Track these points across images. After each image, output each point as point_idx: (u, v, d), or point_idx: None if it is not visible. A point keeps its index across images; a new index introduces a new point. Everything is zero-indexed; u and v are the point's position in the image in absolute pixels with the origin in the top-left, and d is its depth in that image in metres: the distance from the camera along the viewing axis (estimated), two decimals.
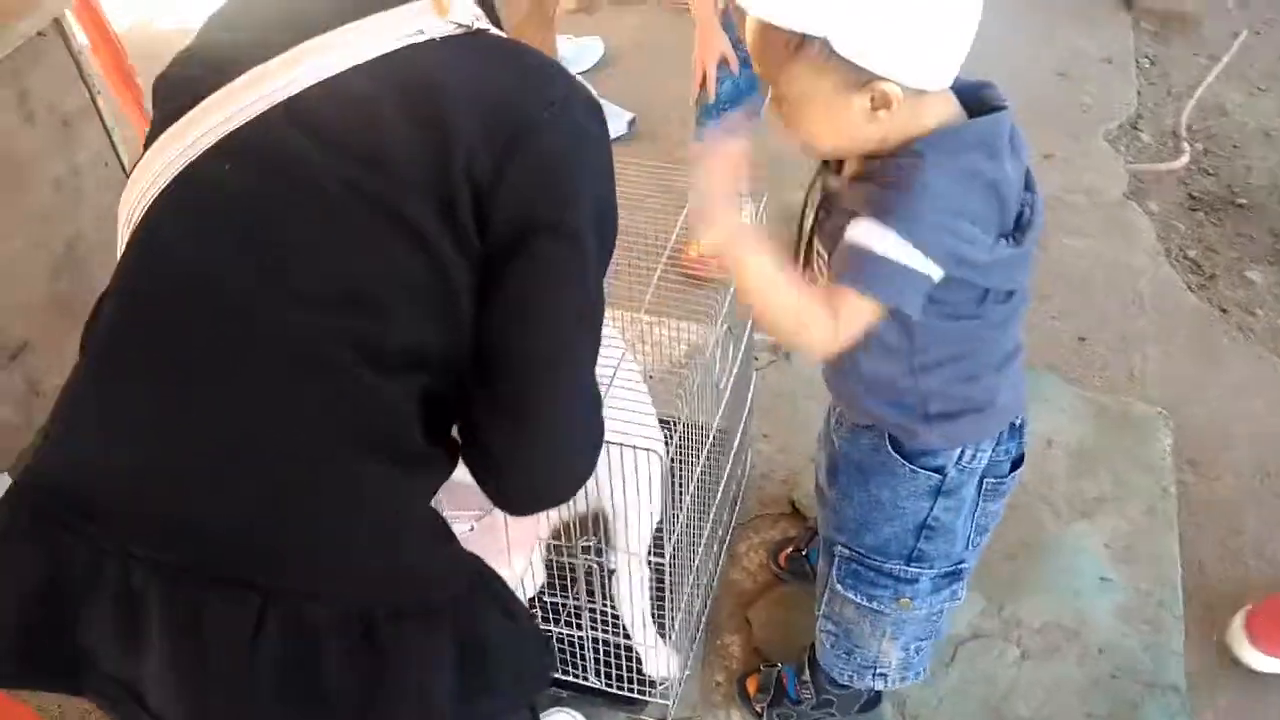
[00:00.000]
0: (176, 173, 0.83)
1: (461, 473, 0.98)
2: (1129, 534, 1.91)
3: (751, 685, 1.72)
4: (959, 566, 1.42)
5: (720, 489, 1.80)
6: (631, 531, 1.52)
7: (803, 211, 1.31)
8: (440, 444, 0.91)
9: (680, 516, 1.55)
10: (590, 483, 1.30)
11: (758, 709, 1.70)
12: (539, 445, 0.91)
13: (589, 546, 1.49)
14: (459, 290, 0.84)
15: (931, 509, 1.34)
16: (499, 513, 1.17)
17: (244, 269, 0.82)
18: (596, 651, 1.63)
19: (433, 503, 0.96)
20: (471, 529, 1.17)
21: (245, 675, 0.82)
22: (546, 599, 1.59)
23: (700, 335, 1.66)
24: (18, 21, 1.82)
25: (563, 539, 1.51)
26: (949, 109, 1.11)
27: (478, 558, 0.98)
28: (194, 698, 0.83)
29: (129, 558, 0.82)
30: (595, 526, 1.55)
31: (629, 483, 1.35)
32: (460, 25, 0.87)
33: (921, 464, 1.31)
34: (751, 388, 1.89)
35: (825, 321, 1.08)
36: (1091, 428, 2.10)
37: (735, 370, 1.67)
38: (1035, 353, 2.29)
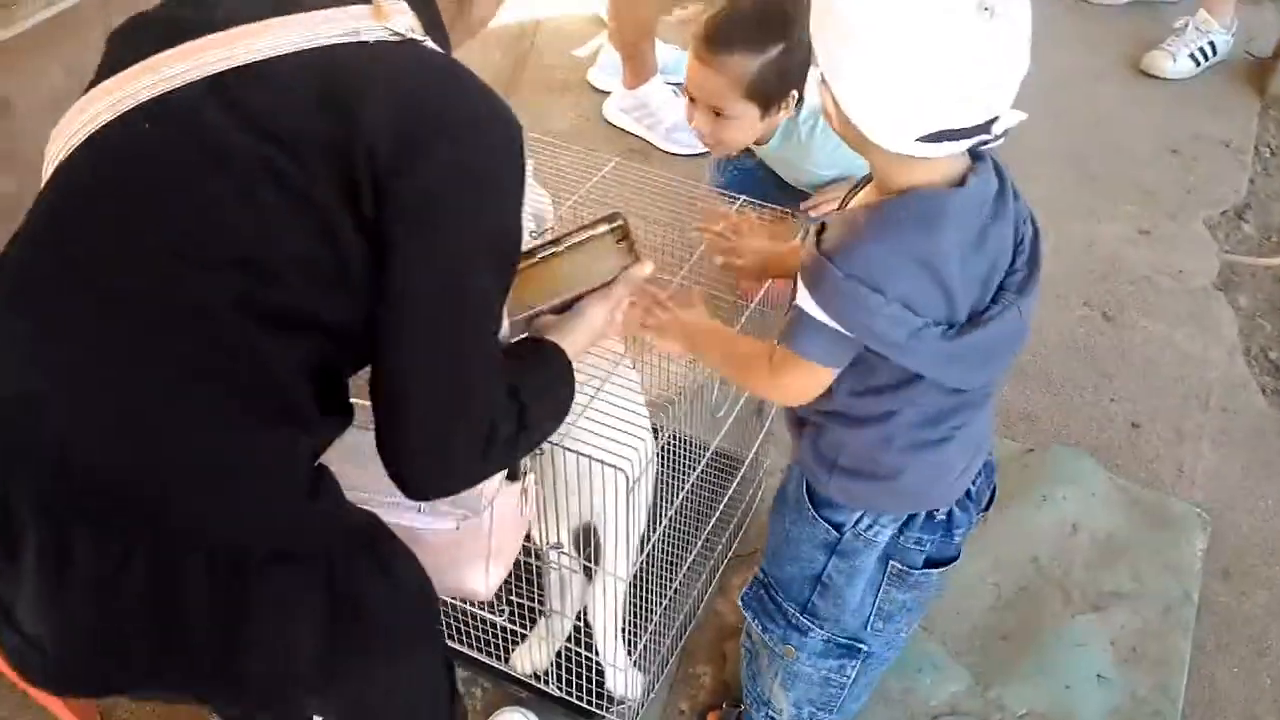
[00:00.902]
0: (99, 126, 0.87)
1: None
2: (1138, 634, 1.82)
3: None
4: (854, 644, 1.37)
5: (716, 514, 1.78)
6: (607, 546, 1.51)
7: None
8: (330, 407, 0.93)
9: (655, 535, 1.54)
10: (575, 496, 1.32)
11: None
12: (410, 427, 0.92)
13: (557, 546, 1.48)
14: (355, 269, 0.87)
15: (826, 565, 1.32)
16: (486, 516, 1.17)
17: (144, 224, 0.86)
18: (561, 658, 1.63)
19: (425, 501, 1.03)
20: (457, 528, 1.17)
21: (110, 607, 0.84)
22: (515, 599, 1.59)
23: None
24: None
25: (534, 541, 1.50)
26: (933, 174, 1.04)
27: (373, 519, 1.00)
28: (60, 624, 0.86)
29: (9, 480, 0.85)
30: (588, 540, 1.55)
31: (596, 497, 1.34)
32: (395, 33, 0.90)
33: (823, 514, 1.28)
34: (769, 418, 1.86)
35: (762, 374, 1.18)
36: (1123, 519, 2.01)
37: (742, 400, 1.65)
38: (1083, 433, 2.21)
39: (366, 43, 0.89)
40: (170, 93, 0.86)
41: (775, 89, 1.91)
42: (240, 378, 0.87)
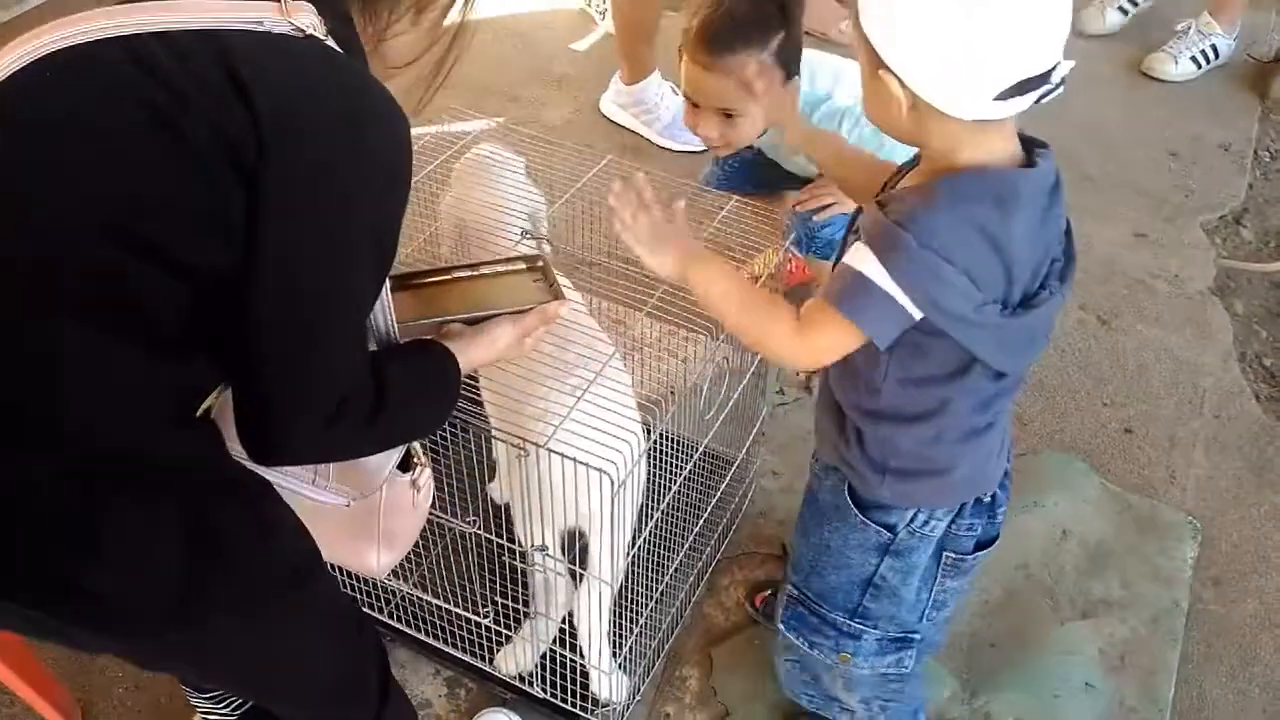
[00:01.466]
0: (16, 68, 0.92)
1: None
2: (1127, 643, 1.81)
3: None
4: (908, 635, 1.37)
5: (704, 515, 1.76)
6: (593, 549, 1.49)
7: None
8: (199, 348, 0.96)
9: (642, 535, 1.52)
10: (560, 498, 1.31)
11: None
12: (259, 384, 0.96)
13: (542, 549, 1.47)
14: (233, 218, 0.91)
15: (878, 567, 1.30)
16: (373, 499, 1.21)
17: (29, 154, 0.91)
18: (546, 660, 1.62)
19: (317, 473, 1.09)
20: (348, 505, 1.20)
21: None
22: (500, 600, 1.58)
23: (701, 352, 1.63)
24: None
25: (519, 544, 1.49)
26: (995, 152, 1.07)
27: (253, 473, 1.04)
28: None
29: None
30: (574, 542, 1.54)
31: (582, 500, 1.33)
32: (297, 29, 0.95)
33: (873, 517, 1.28)
34: (760, 421, 1.85)
35: (789, 327, 1.14)
36: (1113, 525, 2.00)
37: (732, 401, 1.63)
38: (1075, 438, 2.20)
39: (269, 32, 0.95)
40: (79, 45, 0.91)
41: (782, 76, 1.86)
42: (108, 300, 0.90)
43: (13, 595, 0.93)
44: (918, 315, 1.06)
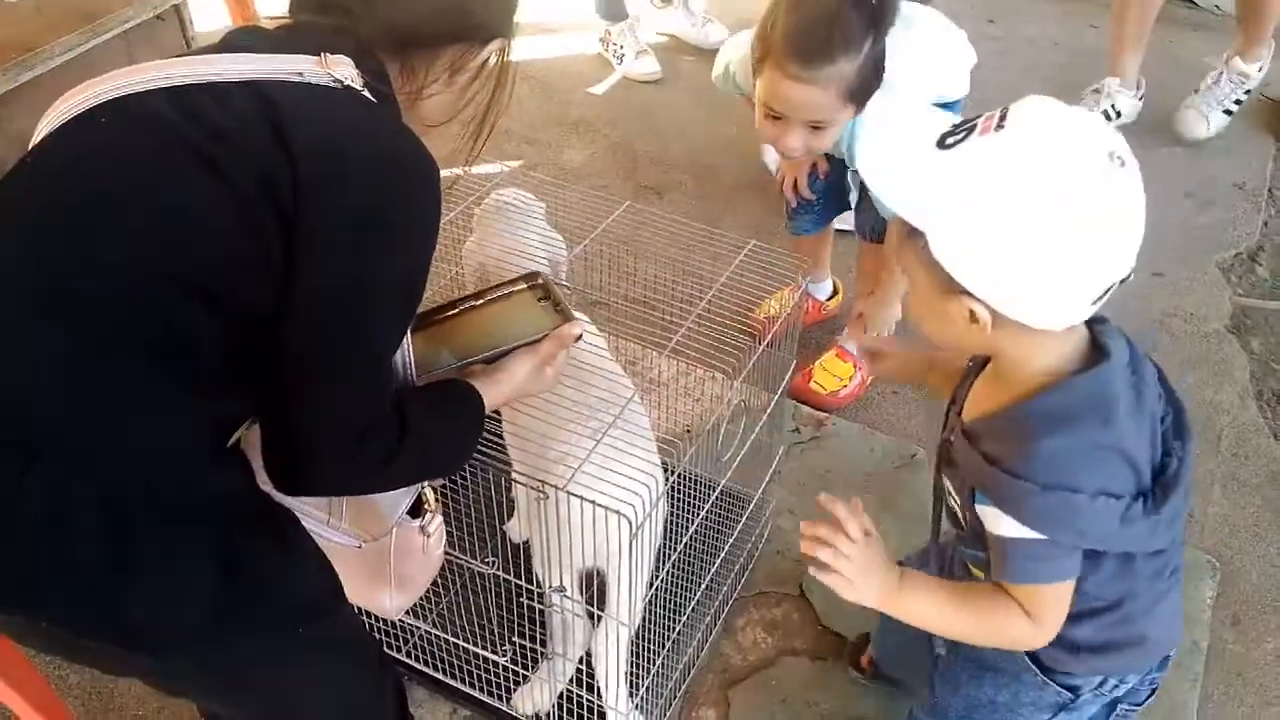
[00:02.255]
0: (73, 115, 0.99)
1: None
2: None
3: None
4: None
5: (722, 555, 1.77)
6: (611, 591, 1.50)
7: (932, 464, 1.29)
8: (237, 385, 1.00)
9: (660, 575, 1.53)
10: (579, 540, 1.33)
11: None
12: (286, 413, 1.00)
13: (560, 590, 1.48)
14: (274, 257, 0.96)
15: None
16: (384, 541, 1.24)
17: (80, 198, 0.95)
18: (563, 700, 1.62)
19: (330, 514, 1.13)
20: (359, 547, 1.23)
21: (4, 534, 0.91)
22: (517, 640, 1.59)
23: (717, 392, 1.64)
24: (140, 2, 1.93)
25: (534, 583, 1.51)
26: (1069, 346, 1.06)
27: (283, 507, 1.08)
28: None
29: None
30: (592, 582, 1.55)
31: (600, 542, 1.34)
32: (336, 80, 1.01)
33: (1056, 679, 1.23)
34: (776, 460, 1.86)
35: (1020, 624, 1.10)
36: None
37: (749, 441, 1.65)
38: None
39: (309, 83, 1.00)
40: (130, 95, 0.98)
41: (873, 81, 1.73)
42: (152, 334, 0.94)
43: (47, 613, 0.95)
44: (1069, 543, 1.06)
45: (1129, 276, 1.00)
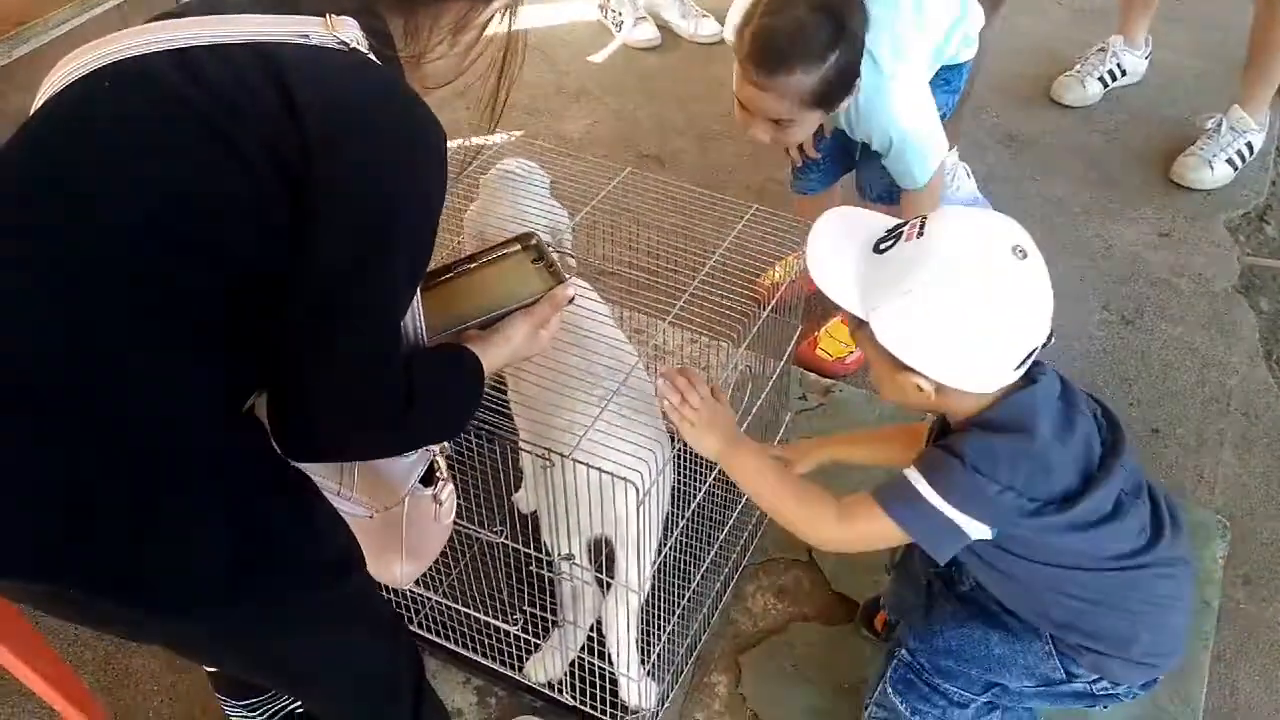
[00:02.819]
0: (76, 77, 0.98)
1: (379, 461, 1.13)
2: None
3: None
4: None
5: (730, 521, 1.77)
6: (620, 558, 1.50)
7: None
8: (247, 344, 1.00)
9: (669, 543, 1.53)
10: (586, 508, 1.32)
11: None
12: (292, 374, 0.99)
13: (569, 558, 1.48)
14: (275, 214, 0.96)
15: (1033, 691, 1.38)
16: (398, 513, 1.24)
17: (83, 157, 0.96)
18: (575, 668, 1.63)
19: (341, 484, 1.14)
20: (371, 517, 1.23)
21: (24, 487, 0.91)
22: (528, 609, 1.59)
23: (723, 360, 1.64)
24: None
25: (544, 552, 1.51)
26: (998, 396, 1.22)
27: (301, 473, 1.09)
28: None
29: None
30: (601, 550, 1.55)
31: (608, 510, 1.34)
32: (341, 42, 1.00)
33: (1062, 659, 1.34)
34: (783, 427, 1.86)
35: (832, 516, 1.29)
36: None
37: (756, 407, 1.64)
38: None
39: (314, 45, 1.00)
40: (134, 57, 0.97)
41: (840, 90, 1.80)
42: (162, 297, 0.95)
43: (70, 580, 0.95)
44: (976, 534, 1.21)
45: (1048, 341, 1.19)
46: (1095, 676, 1.34)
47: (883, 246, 1.19)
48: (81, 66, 0.98)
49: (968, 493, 1.19)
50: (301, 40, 0.99)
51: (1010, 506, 1.18)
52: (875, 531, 1.25)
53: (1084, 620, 1.29)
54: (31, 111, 1.01)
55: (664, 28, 3.53)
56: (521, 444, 1.41)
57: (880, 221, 1.26)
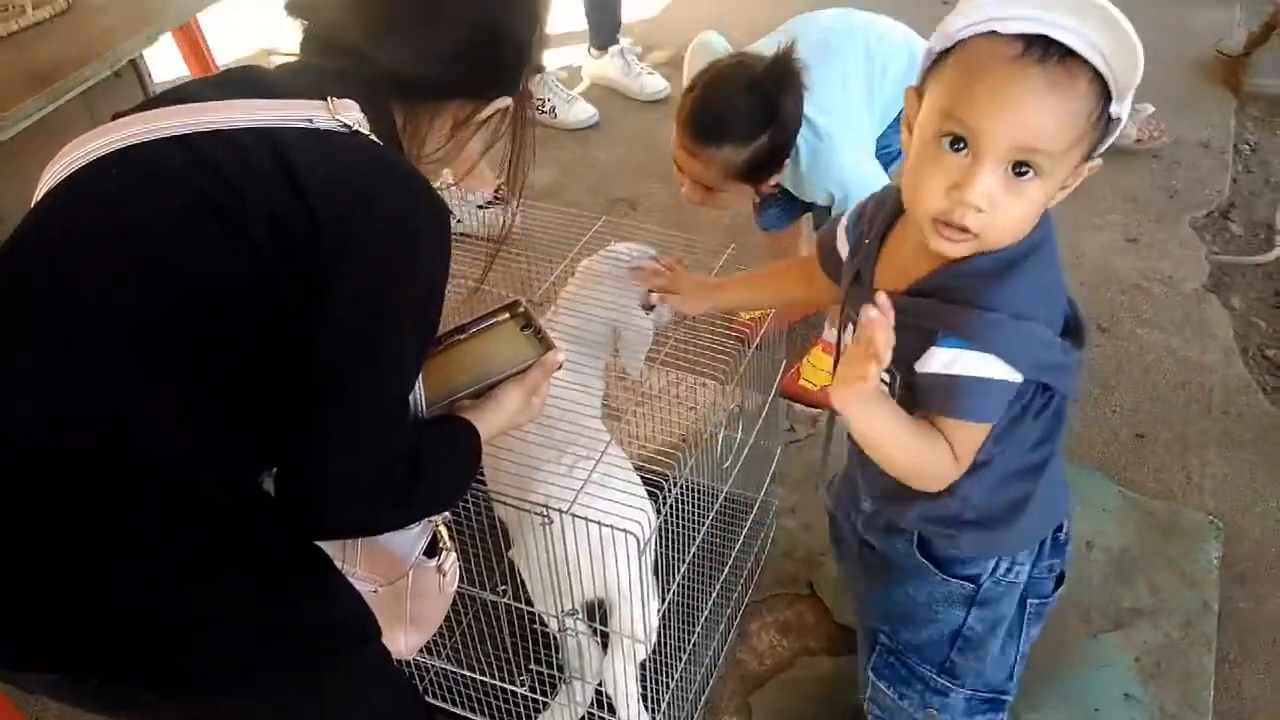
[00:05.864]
0: (79, 166, 0.98)
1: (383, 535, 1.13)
2: (1162, 649, 1.81)
3: None
4: (999, 697, 1.39)
5: (730, 563, 1.77)
6: (623, 610, 1.50)
7: (840, 329, 1.32)
8: (261, 422, 1.00)
9: (670, 589, 1.53)
10: (586, 565, 1.32)
11: None
12: (309, 455, 0.98)
13: (573, 613, 1.47)
14: (289, 304, 0.96)
15: (966, 618, 1.32)
16: (402, 585, 1.23)
17: (95, 248, 0.96)
18: None
19: (345, 560, 1.15)
20: (376, 591, 1.22)
21: (41, 574, 0.91)
22: (534, 668, 1.58)
23: (711, 399, 1.64)
24: (97, 61, 1.92)
25: (549, 607, 1.50)
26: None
27: (316, 548, 1.08)
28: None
29: None
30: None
31: (609, 566, 1.34)
32: (344, 125, 1.02)
33: (954, 572, 1.29)
34: (774, 462, 1.86)
35: (948, 461, 1.11)
36: (1135, 533, 2.00)
37: (748, 445, 1.64)
38: (1088, 447, 2.21)
39: (318, 129, 1.01)
40: (138, 144, 0.98)
41: (767, 167, 1.88)
42: (172, 384, 0.95)
43: (97, 668, 0.94)
44: (1018, 381, 1.08)
45: None
46: (993, 564, 1.27)
47: None
48: (85, 155, 0.98)
49: (1024, 346, 1.07)
50: (305, 124, 1.01)
51: (1054, 345, 1.08)
52: (974, 445, 1.12)
53: (990, 493, 1.20)
54: (34, 202, 1.01)
55: (609, 89, 3.54)
56: (517, 503, 1.40)
57: None
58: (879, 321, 0.98)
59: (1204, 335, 2.49)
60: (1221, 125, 3.19)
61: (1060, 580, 1.36)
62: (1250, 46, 3.38)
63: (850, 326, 1.24)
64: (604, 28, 3.46)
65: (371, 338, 0.99)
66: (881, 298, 1.00)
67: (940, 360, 1.07)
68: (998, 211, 1.01)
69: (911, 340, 1.07)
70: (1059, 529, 1.31)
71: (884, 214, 1.21)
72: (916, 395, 1.13)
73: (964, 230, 1.02)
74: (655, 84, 3.49)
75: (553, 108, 3.34)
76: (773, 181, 1.94)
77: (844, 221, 1.31)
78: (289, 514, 1.01)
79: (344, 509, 1.01)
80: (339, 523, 1.04)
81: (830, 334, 2.38)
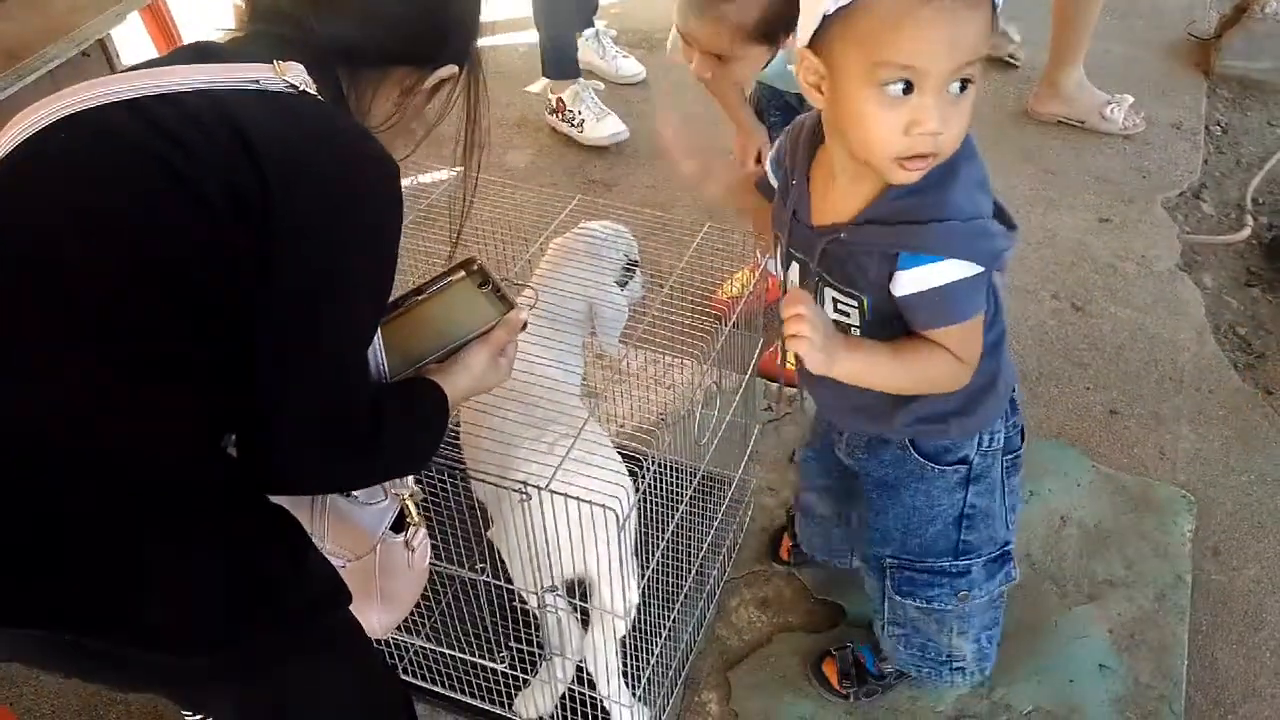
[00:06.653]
0: (28, 135, 0.98)
1: (349, 508, 1.15)
2: (1136, 621, 1.83)
3: (830, 671, 1.74)
4: (1005, 548, 1.51)
5: (708, 540, 1.77)
6: (602, 587, 1.50)
7: (784, 266, 1.37)
8: (219, 380, 1.00)
9: (650, 566, 1.53)
10: (566, 542, 1.32)
11: (844, 693, 1.73)
12: (267, 415, 1.00)
13: (552, 589, 1.48)
14: (242, 263, 0.97)
15: (966, 499, 1.42)
16: (368, 559, 1.24)
17: (60, 211, 0.96)
18: (565, 700, 1.62)
19: (312, 533, 1.14)
20: (344, 566, 1.22)
21: (14, 546, 0.91)
22: (513, 645, 1.58)
23: (688, 378, 1.64)
24: (64, 40, 1.89)
25: (528, 585, 1.50)
26: None
27: (288, 514, 1.08)
28: None
29: None
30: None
31: (589, 542, 1.34)
32: (290, 85, 1.03)
33: (946, 460, 1.39)
34: (752, 439, 1.87)
35: (951, 365, 1.21)
36: (1109, 507, 2.02)
37: (725, 423, 1.65)
38: (1062, 424, 2.23)
39: (266, 90, 1.02)
40: (87, 110, 0.98)
41: (785, 20, 1.70)
42: (135, 337, 0.95)
43: (68, 624, 0.95)
44: (983, 270, 1.17)
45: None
46: (976, 439, 1.38)
47: None
48: (35, 122, 0.98)
49: (980, 243, 1.15)
50: (252, 85, 1.01)
51: (997, 231, 1.17)
52: (978, 341, 1.22)
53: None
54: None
55: (585, 72, 3.44)
56: (496, 481, 1.40)
57: None
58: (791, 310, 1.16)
59: (1176, 313, 2.51)
60: (1193, 107, 3.21)
61: (1023, 434, 1.46)
62: (1221, 29, 3.41)
63: (794, 264, 1.32)
64: (580, 11, 3.45)
65: (323, 296, 1.00)
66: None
67: (910, 280, 1.16)
68: (950, 128, 1.07)
69: (875, 263, 1.18)
70: (1012, 390, 1.42)
71: (802, 150, 1.27)
72: (904, 316, 1.21)
73: (924, 157, 1.09)
74: (631, 67, 3.47)
75: (581, 121, 3.17)
76: (788, 41, 1.78)
77: (766, 165, 1.41)
78: (249, 468, 1.02)
79: (301, 455, 1.02)
80: (299, 472, 1.04)
81: (771, 265, 2.35)
